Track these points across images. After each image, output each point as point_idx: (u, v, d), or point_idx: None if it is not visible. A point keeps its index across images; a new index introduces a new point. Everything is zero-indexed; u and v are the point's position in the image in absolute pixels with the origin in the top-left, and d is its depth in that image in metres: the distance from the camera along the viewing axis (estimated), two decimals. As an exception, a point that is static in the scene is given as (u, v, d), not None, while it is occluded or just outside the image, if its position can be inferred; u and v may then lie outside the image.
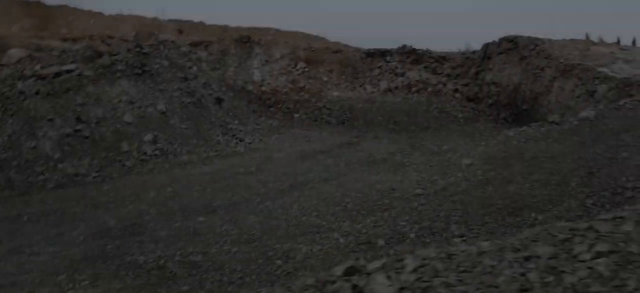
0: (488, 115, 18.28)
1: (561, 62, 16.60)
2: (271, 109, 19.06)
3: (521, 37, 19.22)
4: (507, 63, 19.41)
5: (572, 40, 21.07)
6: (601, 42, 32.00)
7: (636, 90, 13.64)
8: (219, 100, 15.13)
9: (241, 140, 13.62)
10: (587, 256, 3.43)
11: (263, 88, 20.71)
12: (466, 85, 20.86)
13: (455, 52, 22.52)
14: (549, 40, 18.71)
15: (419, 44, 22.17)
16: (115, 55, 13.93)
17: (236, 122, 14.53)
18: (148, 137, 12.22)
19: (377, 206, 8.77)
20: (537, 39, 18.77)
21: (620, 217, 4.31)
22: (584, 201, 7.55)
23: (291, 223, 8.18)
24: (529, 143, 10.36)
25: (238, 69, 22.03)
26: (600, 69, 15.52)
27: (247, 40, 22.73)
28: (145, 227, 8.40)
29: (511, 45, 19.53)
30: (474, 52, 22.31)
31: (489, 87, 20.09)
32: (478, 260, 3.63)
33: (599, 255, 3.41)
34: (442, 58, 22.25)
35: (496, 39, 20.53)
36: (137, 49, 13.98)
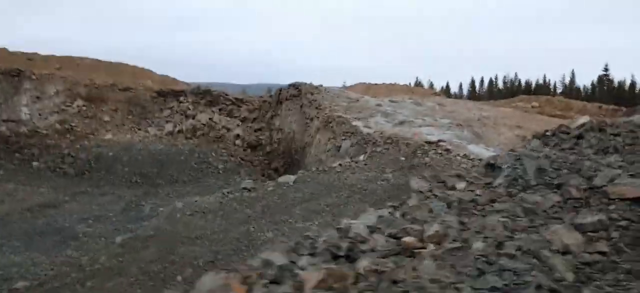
0: (256, 165, 17.39)
1: (326, 114, 16.21)
2: (16, 154, 16.54)
3: (304, 84, 18.77)
4: (291, 110, 18.86)
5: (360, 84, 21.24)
6: (415, 88, 33.34)
7: (371, 147, 13.35)
8: None
9: None
10: None
11: (21, 129, 18.16)
12: (258, 130, 20.03)
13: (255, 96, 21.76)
14: (326, 88, 18.45)
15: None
16: None
17: None
18: None
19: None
20: (316, 87, 18.41)
21: None
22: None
23: None
24: (195, 217, 9.16)
25: (3, 106, 19.34)
26: (355, 123, 15.23)
27: (16, 73, 20.05)
28: None
29: (296, 92, 19.03)
30: (271, 96, 21.70)
31: (277, 133, 19.41)
32: None
33: None
34: (240, 100, 21.31)
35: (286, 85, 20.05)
36: None
